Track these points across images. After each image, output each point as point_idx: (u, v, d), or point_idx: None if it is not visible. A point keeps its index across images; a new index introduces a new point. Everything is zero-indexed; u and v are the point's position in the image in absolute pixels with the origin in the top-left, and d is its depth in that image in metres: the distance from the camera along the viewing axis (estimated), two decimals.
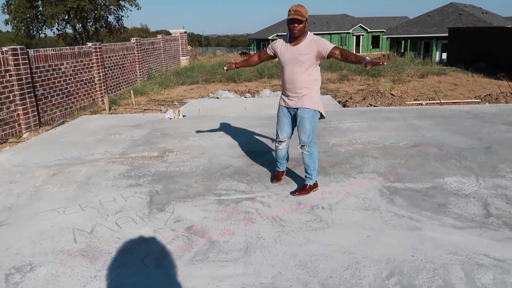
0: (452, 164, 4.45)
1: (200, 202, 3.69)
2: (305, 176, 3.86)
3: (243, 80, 15.21)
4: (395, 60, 22.04)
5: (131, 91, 10.52)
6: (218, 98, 10.73)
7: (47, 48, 8.77)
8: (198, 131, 6.40)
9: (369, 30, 47.24)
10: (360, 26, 46.89)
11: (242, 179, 4.24)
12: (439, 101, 8.53)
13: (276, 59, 3.78)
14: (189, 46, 36.09)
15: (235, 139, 5.87)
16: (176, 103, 10.16)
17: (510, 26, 25.84)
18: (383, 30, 45.94)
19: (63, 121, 8.03)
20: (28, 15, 24.40)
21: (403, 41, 34.53)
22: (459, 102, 8.56)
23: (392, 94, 9.08)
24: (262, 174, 4.37)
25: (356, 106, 8.68)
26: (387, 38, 36.76)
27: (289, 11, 3.38)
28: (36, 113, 7.91)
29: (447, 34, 29.68)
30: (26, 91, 7.61)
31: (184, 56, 20.71)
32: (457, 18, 32.28)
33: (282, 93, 3.79)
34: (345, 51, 3.44)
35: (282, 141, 3.91)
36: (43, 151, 5.60)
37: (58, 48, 9.08)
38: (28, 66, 7.73)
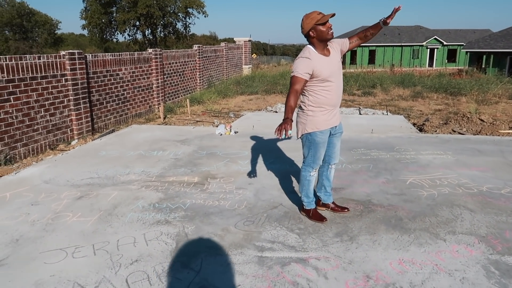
0: None
1: (236, 259, 2.86)
2: (326, 193, 3.63)
3: None
4: (477, 77, 19.85)
5: (187, 100, 10.08)
6: (276, 112, 9.94)
7: (106, 54, 8.56)
8: (247, 153, 5.62)
9: (445, 43, 43.96)
10: (435, 38, 43.80)
11: (293, 226, 3.36)
12: None
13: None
14: (254, 54, 35.98)
15: (290, 167, 5.00)
16: (232, 115, 9.53)
17: None
18: (461, 43, 42.45)
19: (112, 129, 7.70)
20: (102, 20, 25.58)
21: (484, 56, 31.45)
22: None
23: (482, 120, 7.66)
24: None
25: (436, 131, 7.41)
26: (466, 52, 33.77)
27: (313, 14, 3.09)
28: (89, 119, 7.65)
29: None
30: (81, 96, 7.35)
31: (247, 64, 20.27)
32: None
33: (321, 114, 3.23)
34: (360, 32, 3.34)
35: (317, 169, 3.47)
36: (79, 166, 5.14)
37: (118, 53, 8.85)
38: (84, 71, 7.48)
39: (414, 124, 8.35)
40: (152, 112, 10.20)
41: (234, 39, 20.27)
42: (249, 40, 20.34)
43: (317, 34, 3.09)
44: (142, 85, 9.76)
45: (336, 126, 3.33)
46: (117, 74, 8.70)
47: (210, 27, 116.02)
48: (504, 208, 3.69)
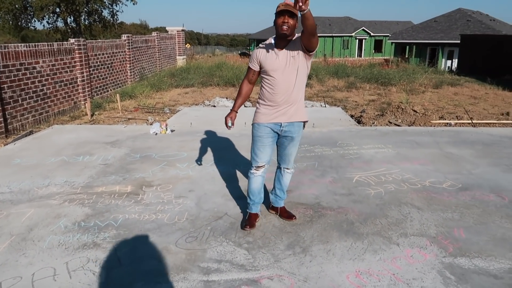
0: None
1: (179, 286, 2.49)
2: (276, 196, 3.41)
3: None
4: (403, 67, 20.94)
5: (117, 94, 9.31)
6: (214, 106, 9.54)
7: (19, 44, 7.55)
8: (186, 155, 5.21)
9: (372, 34, 46.12)
10: (363, 29, 45.76)
11: (241, 240, 3.05)
12: (471, 122, 7.38)
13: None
14: (187, 44, 34.91)
15: (234, 168, 4.69)
16: (167, 111, 8.96)
17: None
18: (386, 34, 44.83)
19: (30, 131, 6.82)
20: (16, 5, 23.04)
21: (407, 47, 33.44)
22: (493, 123, 7.41)
23: (415, 111, 7.92)
24: (269, 231, 3.19)
25: (374, 123, 7.51)
26: (392, 43, 35.65)
27: (278, 5, 2.81)
28: (1, 119, 6.69)
29: (454, 41, 28.71)
30: None
31: (181, 55, 19.48)
32: (465, 25, 31.22)
33: (264, 108, 3.08)
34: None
35: (261, 166, 3.18)
36: None
37: (34, 44, 7.85)
38: None
39: (352, 116, 8.44)
40: (77, 109, 9.29)
41: (167, 28, 19.34)
42: (183, 30, 19.55)
43: (275, 25, 2.86)
44: (64, 79, 8.82)
45: (281, 125, 3.05)
46: (34, 68, 7.73)
47: (140, 15, 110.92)
48: (448, 203, 3.70)
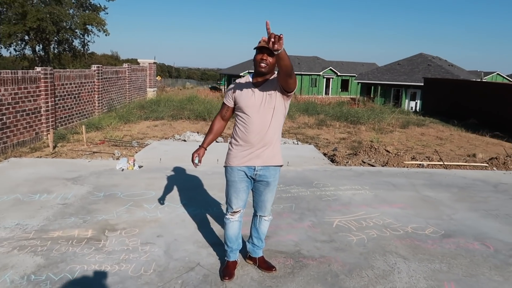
0: None
1: None
2: (254, 245, 3.12)
3: None
4: (370, 107, 21.56)
5: (83, 126, 8.84)
6: (185, 140, 9.24)
7: None
8: (155, 194, 4.85)
9: (339, 73, 47.81)
10: (330, 69, 47.37)
11: None
12: (442, 163, 7.44)
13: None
14: (158, 76, 34.73)
15: (206, 210, 4.37)
16: (135, 144, 8.57)
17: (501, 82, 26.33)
18: (353, 74, 46.60)
19: None
20: None
21: (373, 87, 34.75)
22: (464, 165, 7.51)
23: (387, 151, 7.94)
24: (247, 286, 2.87)
25: (348, 163, 7.43)
26: (358, 83, 36.96)
27: (260, 41, 2.67)
28: None
29: (416, 83, 30.12)
30: None
31: (152, 87, 19.21)
32: (426, 69, 32.94)
33: (236, 148, 2.85)
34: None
35: (237, 212, 2.95)
36: None
37: None
38: None
39: (324, 154, 8.36)
40: (39, 140, 8.73)
41: (138, 60, 19.13)
42: (154, 62, 19.41)
43: (254, 61, 2.72)
44: (27, 108, 8.31)
45: (255, 169, 2.81)
46: None
47: (112, 46, 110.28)
48: (433, 252, 3.53)
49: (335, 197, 5.02)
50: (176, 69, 79.85)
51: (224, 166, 2.93)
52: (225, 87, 42.99)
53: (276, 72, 2.77)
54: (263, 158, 2.81)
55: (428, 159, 8.02)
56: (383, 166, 7.27)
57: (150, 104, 15.08)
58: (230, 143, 2.91)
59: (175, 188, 5.12)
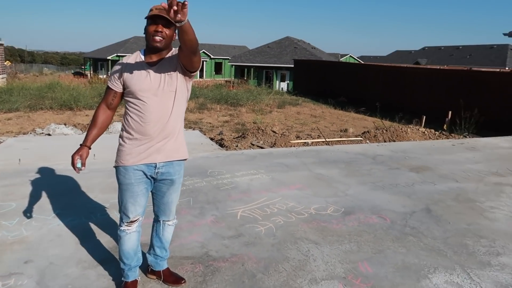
0: (414, 245, 3.30)
1: None
2: (157, 257, 2.62)
3: (83, 107, 12.35)
4: (247, 88, 21.96)
5: None
6: (50, 135, 7.91)
7: None
8: (16, 206, 3.89)
9: (212, 56, 47.83)
10: (203, 52, 47.00)
11: None
12: (325, 140, 7.79)
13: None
14: (7, 61, 29.71)
15: (88, 218, 3.64)
16: None
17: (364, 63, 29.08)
18: (226, 57, 47.09)
19: None
20: None
21: (246, 69, 35.64)
22: (343, 140, 7.99)
23: (274, 131, 8.00)
24: None
25: (237, 146, 7.24)
26: (232, 65, 37.46)
27: (151, 8, 2.17)
28: None
29: (285, 65, 31.87)
30: None
31: (0, 74, 16.23)
32: (293, 51, 34.99)
33: (130, 143, 2.30)
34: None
35: (134, 221, 2.41)
36: None
37: None
38: None
39: (212, 139, 8.04)
40: None
41: None
42: (1, 44, 16.38)
43: (145, 34, 2.19)
44: None
45: (157, 166, 2.33)
46: None
47: None
48: (340, 232, 3.51)
49: (233, 185, 4.74)
50: (29, 53, 70.17)
51: (115, 167, 2.35)
52: (90, 72, 39.12)
53: (174, 49, 2.28)
54: (165, 152, 2.32)
55: (311, 137, 8.35)
56: (271, 147, 7.27)
57: (0, 93, 12.72)
58: (121, 137, 2.34)
59: (43, 194, 4.19)
